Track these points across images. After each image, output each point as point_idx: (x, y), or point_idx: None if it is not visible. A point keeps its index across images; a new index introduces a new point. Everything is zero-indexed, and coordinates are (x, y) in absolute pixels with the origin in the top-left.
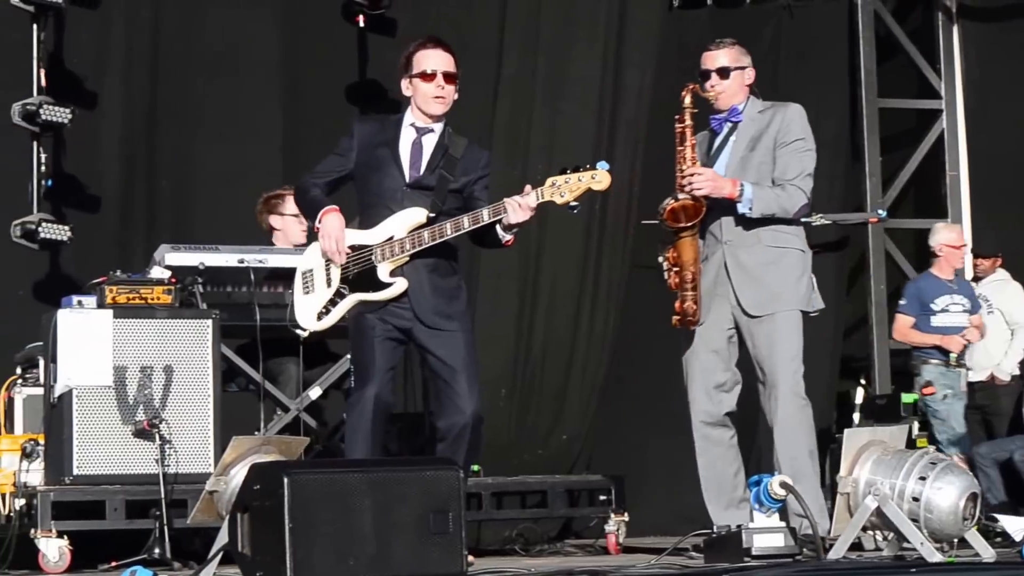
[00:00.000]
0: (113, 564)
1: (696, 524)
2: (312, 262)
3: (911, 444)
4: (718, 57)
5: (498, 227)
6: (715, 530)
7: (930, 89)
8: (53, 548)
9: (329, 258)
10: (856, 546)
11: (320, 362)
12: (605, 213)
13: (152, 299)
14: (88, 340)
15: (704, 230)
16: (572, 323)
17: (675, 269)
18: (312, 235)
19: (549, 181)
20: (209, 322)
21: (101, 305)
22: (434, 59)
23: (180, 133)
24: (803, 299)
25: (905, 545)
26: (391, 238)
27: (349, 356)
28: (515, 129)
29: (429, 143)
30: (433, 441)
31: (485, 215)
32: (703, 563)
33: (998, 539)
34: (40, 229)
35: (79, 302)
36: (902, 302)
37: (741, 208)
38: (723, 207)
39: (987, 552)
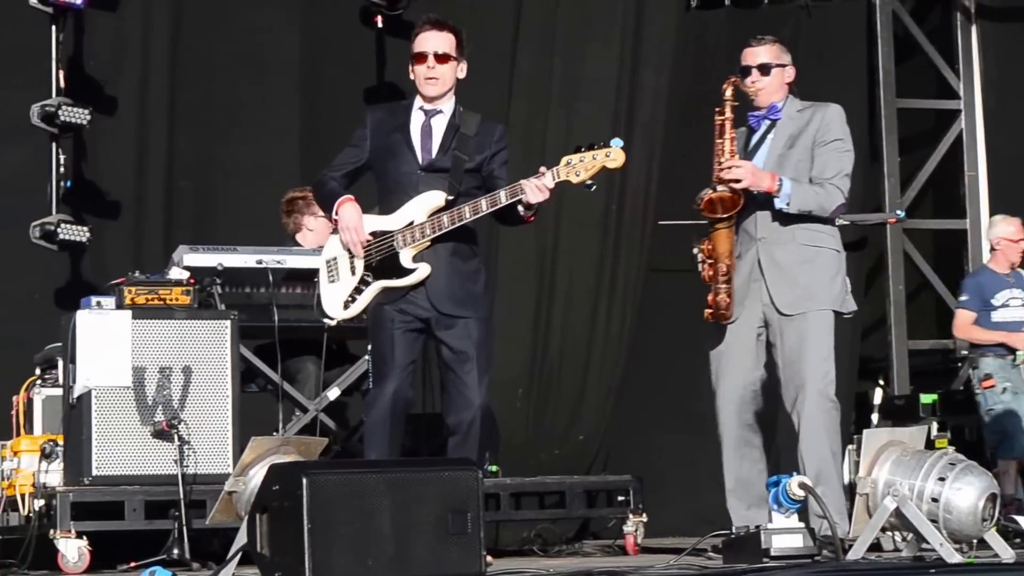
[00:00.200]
0: (132, 564)
1: (714, 525)
2: (336, 250)
3: (930, 445)
4: (759, 53)
5: (519, 206)
6: (734, 531)
7: (948, 89)
8: (72, 548)
9: (350, 249)
10: (875, 547)
11: (339, 363)
12: (622, 213)
13: (171, 300)
14: (107, 341)
15: (737, 227)
16: (589, 323)
17: (709, 261)
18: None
19: (564, 160)
20: (228, 323)
21: (120, 306)
22: (426, 41)
23: (199, 134)
24: (836, 299)
25: (924, 546)
26: (411, 223)
27: (367, 357)
28: (531, 130)
29: (439, 125)
30: None
31: (503, 197)
32: (722, 564)
33: (1017, 540)
34: (59, 230)
35: (98, 303)
36: (963, 297)
37: (778, 203)
38: (758, 204)
39: (1006, 553)
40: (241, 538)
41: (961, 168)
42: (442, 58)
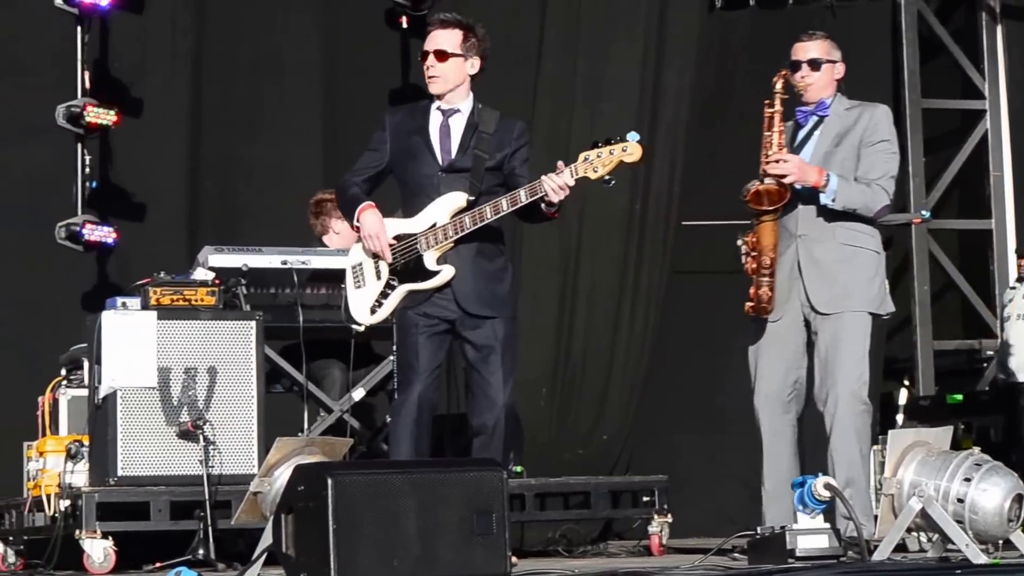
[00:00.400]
0: (158, 565)
1: (736, 524)
2: (360, 256)
3: (956, 445)
4: (810, 48)
5: (541, 203)
6: (759, 531)
7: (974, 89)
8: (98, 549)
9: (376, 255)
10: (901, 547)
11: (364, 363)
12: (645, 213)
13: (196, 301)
14: (132, 342)
15: None
16: (612, 323)
17: (753, 254)
18: None
19: (582, 156)
20: (253, 324)
21: (145, 307)
22: (429, 39)
23: (223, 135)
24: (874, 301)
25: (950, 547)
26: (434, 225)
27: (392, 357)
28: (555, 130)
29: (457, 124)
30: None
31: (523, 196)
32: (747, 564)
33: None
34: (84, 231)
35: (123, 304)
36: None
37: (824, 198)
38: (800, 200)
39: None
40: (266, 539)
41: (986, 168)
42: (442, 56)
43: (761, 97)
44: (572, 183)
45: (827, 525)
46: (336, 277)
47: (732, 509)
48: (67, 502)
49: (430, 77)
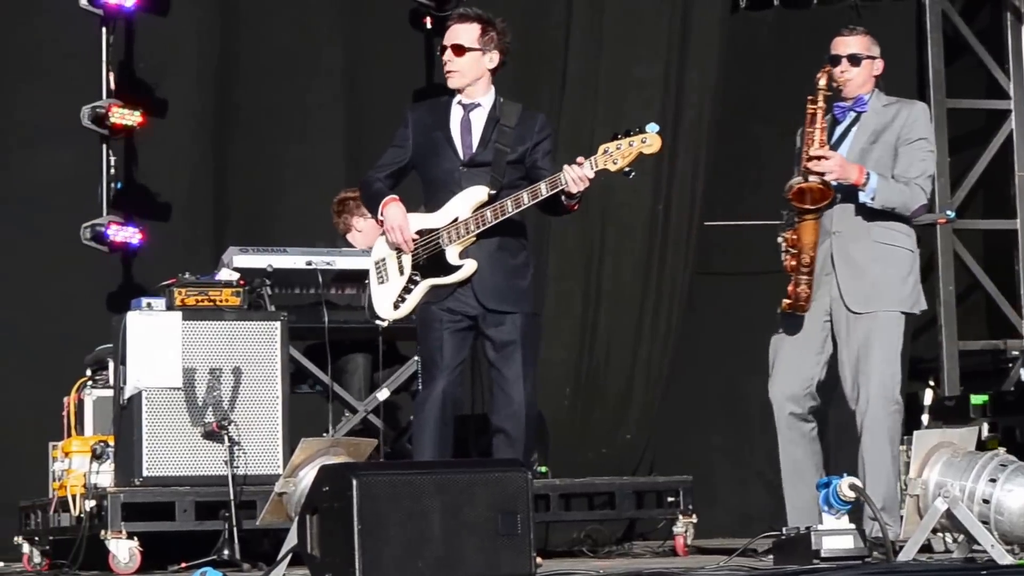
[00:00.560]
0: (183, 565)
1: (761, 525)
2: (383, 251)
3: (981, 446)
4: (850, 43)
5: (561, 196)
6: (784, 532)
7: (999, 89)
8: (123, 549)
9: (399, 248)
10: (926, 548)
11: (388, 363)
12: (669, 214)
13: (220, 301)
14: (157, 342)
15: None
16: (635, 323)
17: (793, 251)
18: None
19: (601, 148)
20: (277, 324)
21: (170, 307)
22: (447, 34)
23: (248, 136)
24: (907, 300)
25: (975, 547)
26: (456, 219)
27: (417, 357)
28: (579, 130)
29: (478, 118)
30: None
31: (543, 189)
32: (772, 565)
33: None
34: (109, 232)
35: (148, 304)
36: None
37: (863, 196)
38: (837, 196)
39: None
40: (291, 539)
41: (1011, 168)
42: (459, 50)
43: (785, 97)
44: (592, 175)
45: (852, 526)
46: (361, 277)
47: (755, 509)
48: (92, 502)
49: (448, 71)
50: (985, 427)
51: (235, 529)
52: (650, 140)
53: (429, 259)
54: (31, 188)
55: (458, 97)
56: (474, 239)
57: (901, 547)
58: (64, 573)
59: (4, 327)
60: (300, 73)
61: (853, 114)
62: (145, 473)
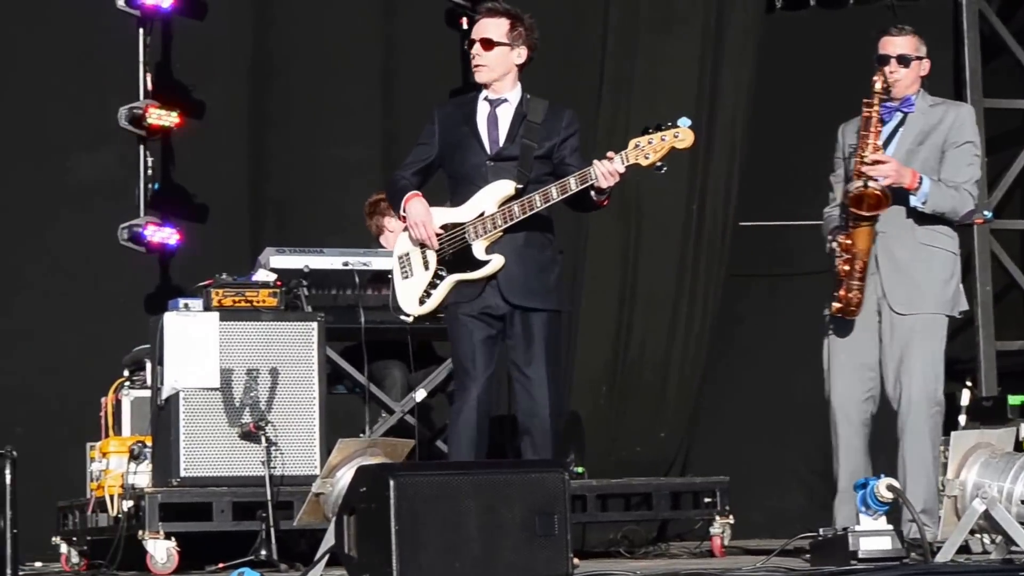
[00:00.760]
0: (220, 566)
1: (795, 525)
2: (407, 246)
3: (1019, 447)
4: (899, 44)
5: (591, 191)
6: (821, 532)
7: None
8: (161, 549)
9: (422, 244)
10: (964, 549)
11: (424, 364)
12: (703, 214)
13: (258, 302)
14: (194, 343)
15: None
16: (669, 323)
17: (846, 256)
18: None
19: (633, 143)
20: (314, 325)
21: (207, 308)
22: (476, 28)
23: (285, 137)
24: (949, 302)
25: (1013, 548)
26: (482, 214)
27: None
28: (615, 130)
29: (505, 113)
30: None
31: (572, 184)
32: (809, 566)
33: None
34: (147, 233)
35: (185, 305)
36: None
37: (915, 201)
38: None
39: None
40: (329, 539)
41: None
42: (488, 44)
43: (821, 97)
44: (622, 170)
45: (890, 527)
46: None
47: (790, 510)
48: (130, 503)
49: (476, 66)
50: (1023, 428)
51: (272, 529)
52: (682, 134)
53: (455, 254)
54: (69, 189)
55: (484, 93)
56: (501, 234)
57: (939, 548)
58: (102, 573)
59: (42, 328)
60: (336, 74)
61: (900, 115)
62: (183, 473)
